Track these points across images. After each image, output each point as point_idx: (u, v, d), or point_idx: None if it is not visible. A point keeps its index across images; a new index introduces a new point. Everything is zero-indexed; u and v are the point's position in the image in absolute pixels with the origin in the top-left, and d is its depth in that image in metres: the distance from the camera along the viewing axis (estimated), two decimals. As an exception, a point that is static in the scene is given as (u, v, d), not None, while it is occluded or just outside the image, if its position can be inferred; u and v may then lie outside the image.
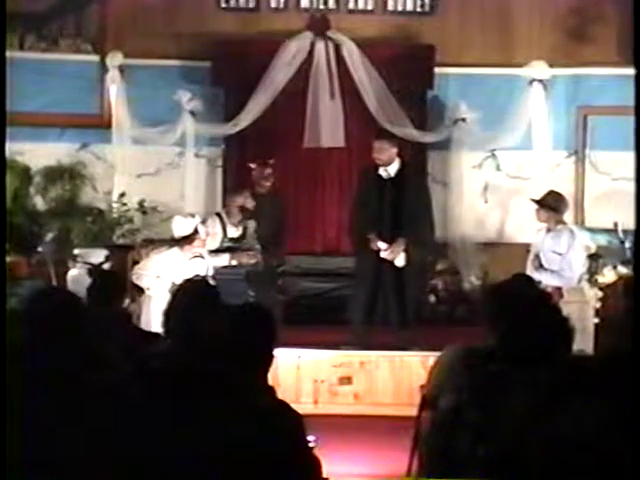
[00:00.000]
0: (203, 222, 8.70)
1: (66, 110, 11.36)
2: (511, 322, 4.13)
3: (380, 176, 8.88)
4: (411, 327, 8.86)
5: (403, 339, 8.83)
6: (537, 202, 8.45)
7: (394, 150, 8.89)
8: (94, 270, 9.21)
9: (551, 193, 8.60)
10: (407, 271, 8.77)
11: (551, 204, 8.37)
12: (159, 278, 8.11)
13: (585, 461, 2.47)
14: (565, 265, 8.18)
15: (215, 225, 9.20)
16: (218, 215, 9.39)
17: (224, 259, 9.07)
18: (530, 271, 7.98)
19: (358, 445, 7.41)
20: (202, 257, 8.44)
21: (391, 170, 8.86)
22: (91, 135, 11.57)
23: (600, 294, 9.51)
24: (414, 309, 8.93)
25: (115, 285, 6.13)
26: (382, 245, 8.69)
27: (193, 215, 8.73)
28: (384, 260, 8.74)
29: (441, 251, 11.33)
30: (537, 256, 8.31)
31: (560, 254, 8.21)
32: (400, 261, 8.75)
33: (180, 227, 8.44)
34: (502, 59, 11.62)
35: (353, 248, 9.38)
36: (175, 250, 8.32)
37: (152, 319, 7.51)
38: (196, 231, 8.38)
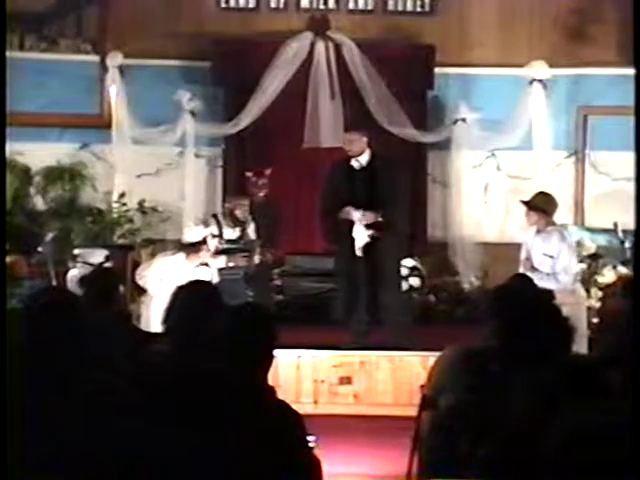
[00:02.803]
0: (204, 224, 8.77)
1: (66, 110, 11.35)
2: (511, 322, 4.14)
3: (352, 167, 8.94)
4: (406, 325, 8.85)
5: (403, 339, 8.81)
6: (526, 204, 8.40)
7: (364, 140, 8.93)
8: (94, 270, 9.20)
9: (540, 194, 8.53)
10: (383, 259, 8.76)
11: (540, 206, 8.30)
12: (161, 280, 8.15)
13: (586, 460, 2.47)
14: (559, 269, 8.10)
15: (213, 227, 9.24)
16: (215, 217, 9.43)
17: (221, 261, 9.09)
18: (522, 272, 7.90)
19: (358, 445, 7.39)
20: (208, 265, 8.53)
21: (362, 160, 8.92)
22: (91, 135, 11.57)
23: (600, 294, 9.50)
24: (393, 300, 8.87)
25: (115, 285, 6.13)
26: (357, 214, 8.70)
27: (207, 224, 8.82)
28: (361, 256, 8.75)
29: (441, 251, 11.34)
30: (528, 258, 8.26)
31: (551, 257, 8.13)
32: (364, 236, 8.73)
33: (191, 235, 8.56)
34: (502, 59, 11.62)
35: (323, 234, 9.37)
36: (181, 255, 8.42)
37: (152, 320, 7.54)
38: (205, 241, 8.53)
